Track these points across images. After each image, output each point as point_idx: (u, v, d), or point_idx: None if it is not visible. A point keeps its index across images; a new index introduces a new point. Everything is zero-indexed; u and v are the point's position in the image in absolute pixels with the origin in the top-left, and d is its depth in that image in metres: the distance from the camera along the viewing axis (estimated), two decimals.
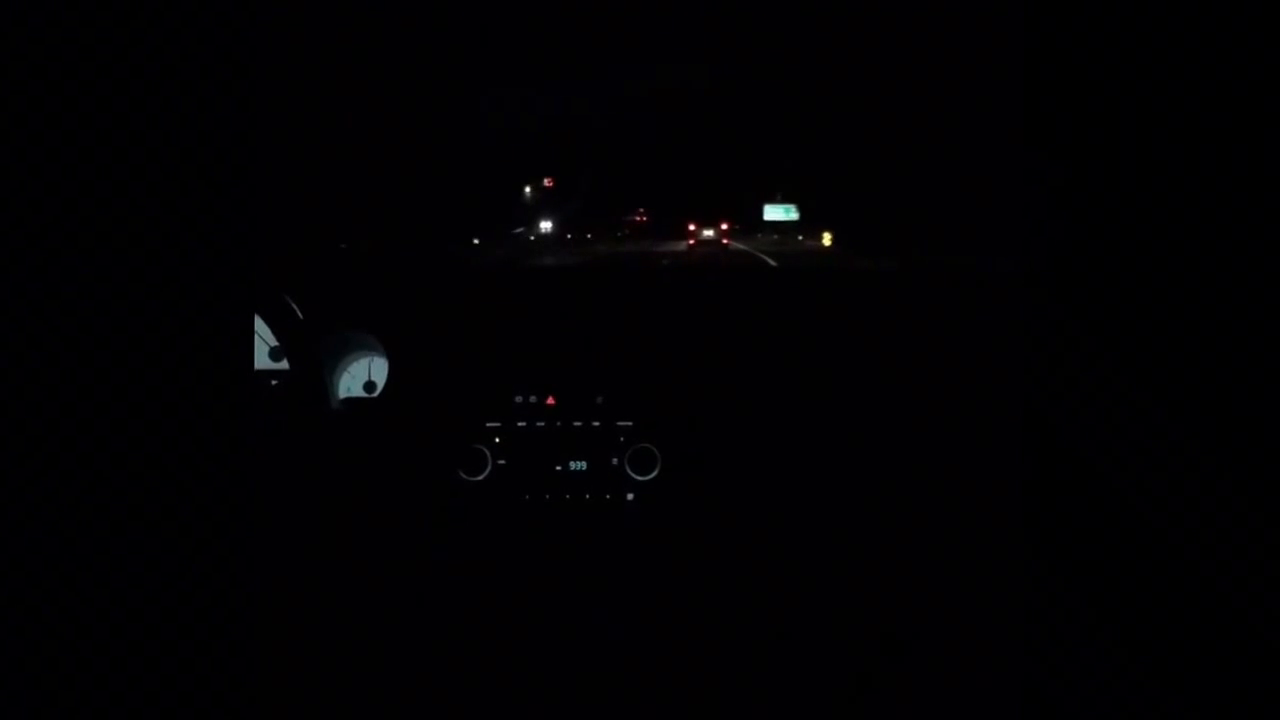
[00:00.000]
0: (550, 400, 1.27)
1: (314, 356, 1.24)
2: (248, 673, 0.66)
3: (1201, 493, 0.64)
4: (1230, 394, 0.64)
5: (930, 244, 1.54)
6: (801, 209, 1.95)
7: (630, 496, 1.24)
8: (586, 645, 1.20)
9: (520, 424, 1.26)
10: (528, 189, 1.91)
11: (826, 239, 1.96)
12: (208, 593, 0.63)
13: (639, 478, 1.23)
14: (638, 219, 2.00)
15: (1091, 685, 0.68)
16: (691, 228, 1.97)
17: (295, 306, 1.25)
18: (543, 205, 1.92)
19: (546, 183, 1.92)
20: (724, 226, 1.98)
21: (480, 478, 1.24)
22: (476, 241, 1.88)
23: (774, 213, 1.96)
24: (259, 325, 1.28)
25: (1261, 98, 0.64)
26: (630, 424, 1.25)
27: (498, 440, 1.25)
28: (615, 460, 1.24)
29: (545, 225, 1.96)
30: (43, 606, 0.57)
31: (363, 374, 1.36)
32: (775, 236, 2.01)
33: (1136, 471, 0.66)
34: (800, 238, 1.99)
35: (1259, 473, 0.63)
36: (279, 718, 1.13)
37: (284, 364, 1.29)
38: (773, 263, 1.84)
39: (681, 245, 2.00)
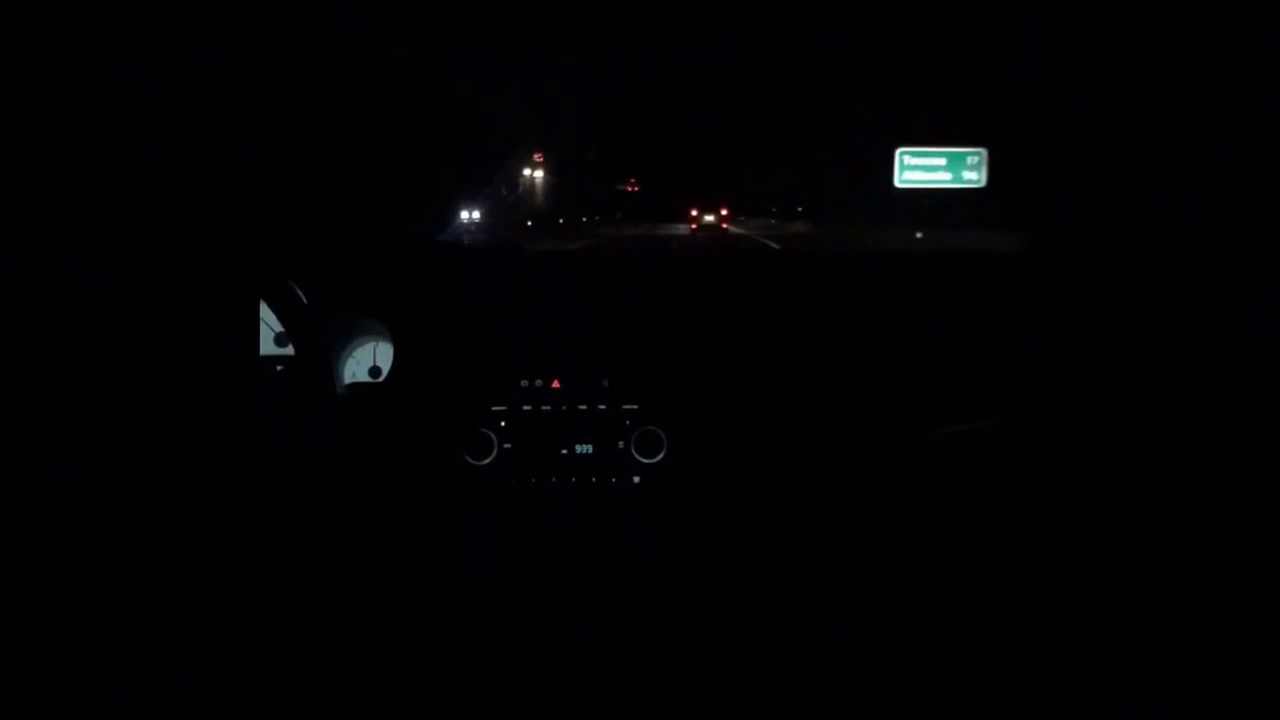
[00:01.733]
0: (555, 383, 1.26)
1: (319, 342, 1.23)
2: (255, 658, 0.66)
3: (1208, 488, 0.64)
4: (1237, 388, 0.63)
5: None
6: (998, 161, 1.02)
7: (636, 480, 1.24)
8: (592, 629, 1.21)
9: (525, 408, 1.26)
10: (527, 171, 1.79)
11: None
12: (214, 579, 0.63)
13: (645, 461, 1.23)
14: (628, 188, 1.93)
15: (1093, 684, 0.67)
16: (694, 213, 1.94)
17: (300, 292, 1.25)
18: (461, 191, 1.58)
19: (536, 157, 1.80)
20: (724, 212, 1.94)
21: (486, 462, 1.24)
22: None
23: (921, 168, 1.07)
24: (264, 311, 1.28)
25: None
26: (636, 407, 1.25)
27: (503, 424, 1.25)
28: (621, 444, 1.24)
29: (468, 215, 1.47)
30: (45, 592, 0.57)
31: (368, 359, 1.36)
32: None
33: (1141, 465, 0.66)
34: None
35: (1263, 464, 0.62)
36: (285, 702, 1.13)
37: (289, 349, 1.28)
38: (775, 245, 1.78)
39: (683, 228, 1.97)
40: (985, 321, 1.25)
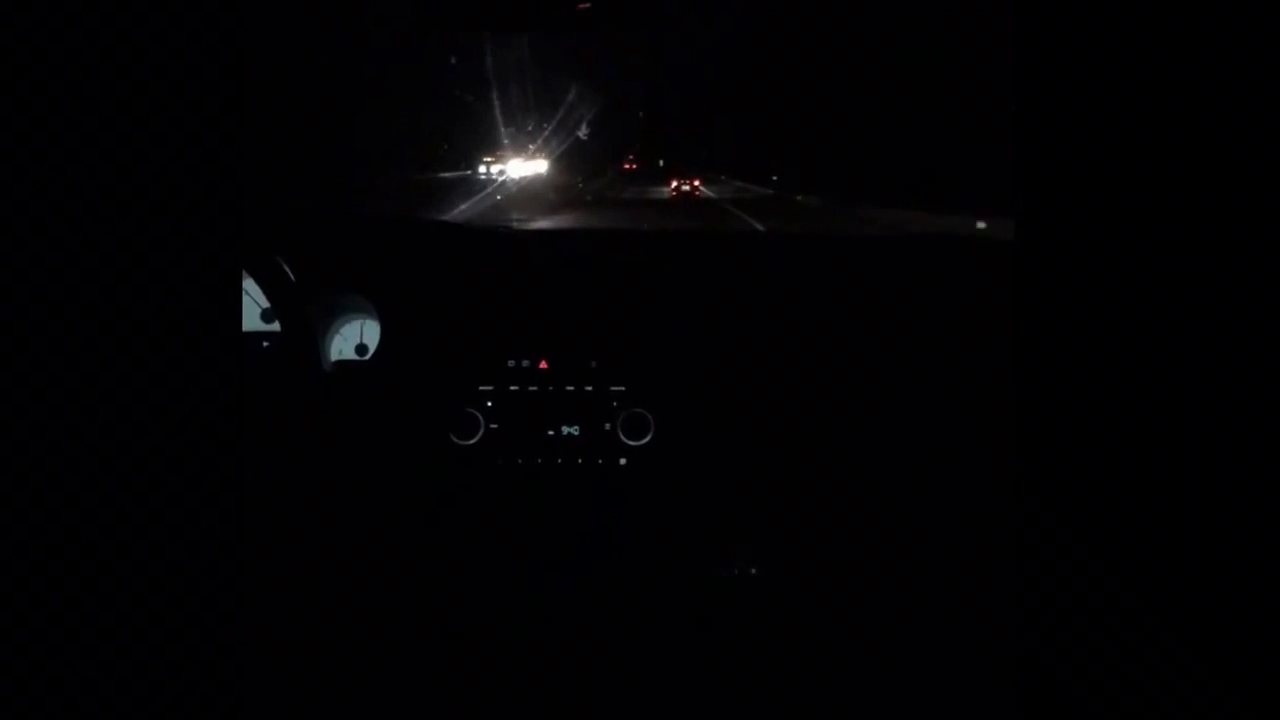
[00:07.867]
0: (543, 364, 1.26)
1: (305, 319, 1.23)
2: (240, 638, 0.66)
3: (1210, 477, 0.64)
4: (1236, 377, 0.63)
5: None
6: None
7: (623, 462, 1.24)
8: (577, 610, 1.21)
9: (513, 388, 1.25)
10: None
11: None
12: (198, 557, 0.63)
13: (632, 443, 1.23)
14: (627, 166, 2.31)
15: (1092, 675, 0.68)
16: (674, 183, 2.47)
17: (287, 268, 1.24)
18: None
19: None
20: (696, 183, 2.71)
21: (472, 442, 1.24)
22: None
23: None
24: (251, 287, 1.27)
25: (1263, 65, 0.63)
26: (623, 389, 1.25)
27: (490, 404, 1.25)
28: (608, 425, 1.24)
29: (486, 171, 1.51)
30: (32, 572, 0.57)
31: (354, 336, 1.35)
32: None
33: (1140, 457, 0.66)
34: None
35: (1268, 454, 0.62)
36: (271, 684, 1.14)
37: (275, 326, 1.28)
38: (760, 226, 1.82)
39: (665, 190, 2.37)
40: (974, 307, 1.26)
